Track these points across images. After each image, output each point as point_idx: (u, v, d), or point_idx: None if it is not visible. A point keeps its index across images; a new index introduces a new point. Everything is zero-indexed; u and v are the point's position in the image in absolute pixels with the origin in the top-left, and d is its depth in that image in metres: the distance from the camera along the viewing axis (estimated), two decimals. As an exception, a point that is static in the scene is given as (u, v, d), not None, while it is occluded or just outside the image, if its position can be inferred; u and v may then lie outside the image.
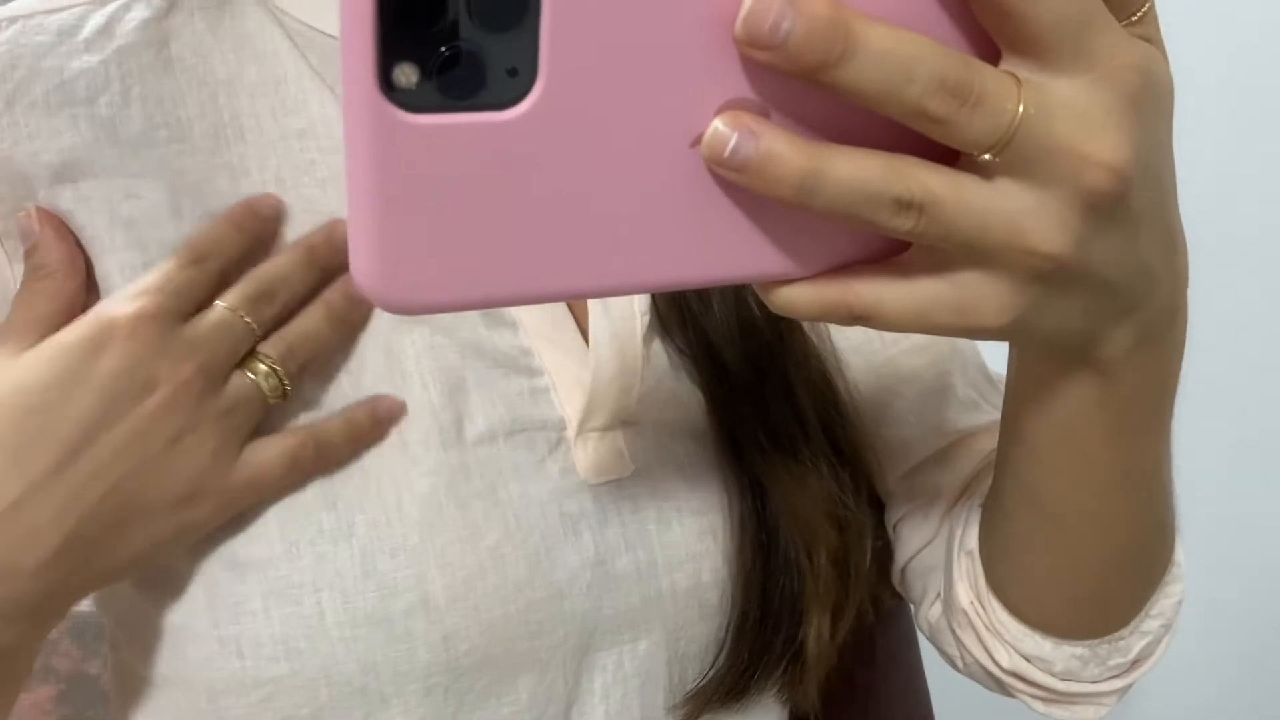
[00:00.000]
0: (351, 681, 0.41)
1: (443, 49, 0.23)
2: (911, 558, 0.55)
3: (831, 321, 0.29)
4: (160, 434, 0.38)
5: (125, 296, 0.39)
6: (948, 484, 0.53)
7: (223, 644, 0.42)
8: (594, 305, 0.46)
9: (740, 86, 0.25)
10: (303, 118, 0.44)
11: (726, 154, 0.25)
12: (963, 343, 0.56)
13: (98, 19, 0.43)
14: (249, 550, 0.42)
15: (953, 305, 0.28)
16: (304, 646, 0.41)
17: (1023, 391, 0.37)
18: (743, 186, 0.26)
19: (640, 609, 0.46)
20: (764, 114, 0.25)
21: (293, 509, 0.42)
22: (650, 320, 0.47)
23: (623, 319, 0.46)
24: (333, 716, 0.42)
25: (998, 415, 0.53)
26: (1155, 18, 0.28)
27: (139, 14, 0.44)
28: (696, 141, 0.25)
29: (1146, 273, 0.30)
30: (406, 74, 0.23)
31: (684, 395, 0.48)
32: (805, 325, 0.51)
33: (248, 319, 0.40)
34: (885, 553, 0.56)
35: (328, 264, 0.43)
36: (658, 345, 0.48)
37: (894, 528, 0.56)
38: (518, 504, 0.44)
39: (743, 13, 0.24)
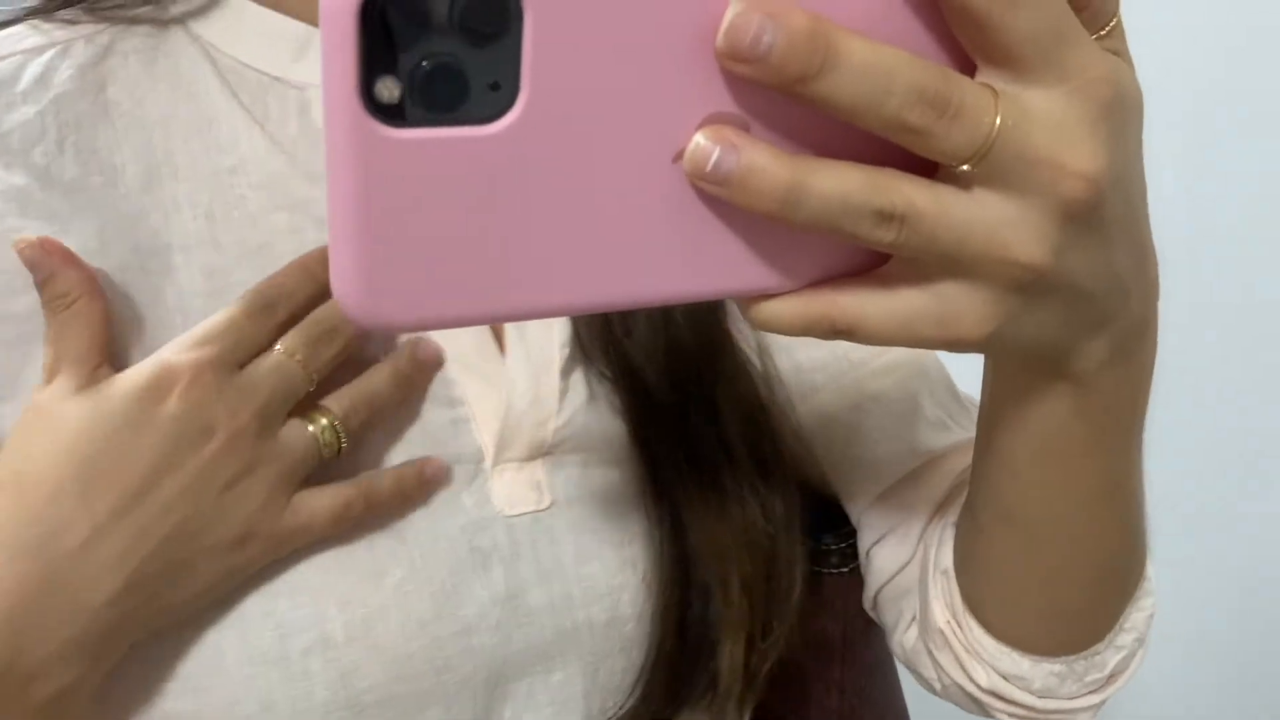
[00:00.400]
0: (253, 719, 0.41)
1: (425, 62, 0.23)
2: (885, 583, 0.55)
3: (814, 336, 0.29)
4: (219, 478, 0.39)
5: (188, 343, 0.40)
6: (920, 506, 0.53)
7: (137, 680, 0.42)
8: (511, 333, 0.47)
9: (722, 101, 0.25)
10: (233, 155, 0.45)
11: (709, 168, 0.25)
12: (930, 363, 0.56)
13: (34, 68, 0.44)
14: None
15: (934, 317, 0.28)
16: (207, 684, 0.41)
17: (999, 407, 0.37)
18: (725, 201, 0.26)
19: (554, 641, 0.46)
20: (745, 128, 0.26)
21: None
22: (571, 351, 0.48)
23: (540, 349, 0.47)
24: None
25: (967, 435, 0.53)
26: (1123, 32, 0.29)
27: (75, 59, 0.45)
28: (679, 156, 0.25)
29: (1120, 283, 0.30)
30: (389, 88, 0.23)
31: (607, 424, 0.48)
32: (741, 347, 0.51)
33: (302, 362, 0.41)
34: (821, 580, 0.56)
35: None
36: (580, 374, 0.48)
37: (867, 553, 0.56)
38: (425, 540, 0.44)
39: (724, 26, 0.24)
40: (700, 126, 0.25)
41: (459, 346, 0.46)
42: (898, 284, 0.28)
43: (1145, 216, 0.31)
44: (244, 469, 0.39)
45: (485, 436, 0.46)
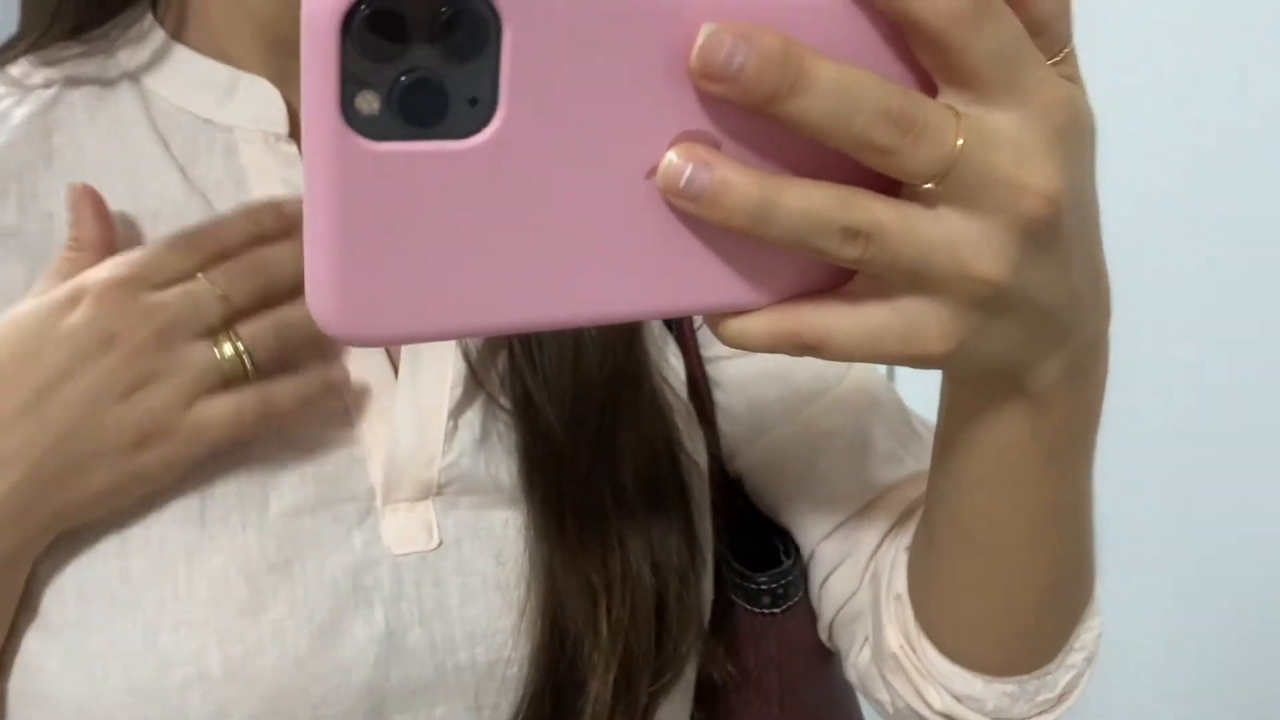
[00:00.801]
0: None
1: (404, 77, 0.23)
2: (839, 610, 0.56)
3: (783, 352, 0.29)
4: (115, 385, 0.41)
5: (107, 265, 0.42)
6: (870, 536, 0.54)
7: (29, 699, 0.44)
8: (405, 371, 0.47)
9: (695, 119, 0.26)
10: (156, 199, 0.47)
11: (681, 184, 0.25)
12: (883, 394, 0.57)
13: None
14: (50, 615, 0.44)
15: (899, 333, 0.28)
16: (93, 711, 0.43)
17: (956, 426, 0.38)
18: (697, 217, 0.26)
19: (435, 680, 0.46)
20: (717, 146, 0.26)
21: (91, 578, 0.44)
22: (465, 390, 0.48)
23: (432, 389, 0.47)
24: None
25: (920, 466, 0.54)
26: (1075, 58, 0.30)
27: (26, 109, 0.48)
28: (652, 173, 0.26)
29: (1077, 300, 0.31)
30: (368, 101, 0.23)
31: (500, 465, 0.48)
32: (659, 385, 0.51)
33: (222, 292, 0.43)
34: (753, 621, 0.57)
35: None
36: (474, 413, 0.48)
37: (821, 585, 0.56)
38: (310, 578, 0.45)
39: (698, 45, 0.24)
40: (673, 144, 0.26)
41: (362, 370, 0.47)
42: (863, 301, 0.29)
43: (1099, 236, 0.32)
44: (140, 379, 0.41)
45: (377, 475, 0.46)
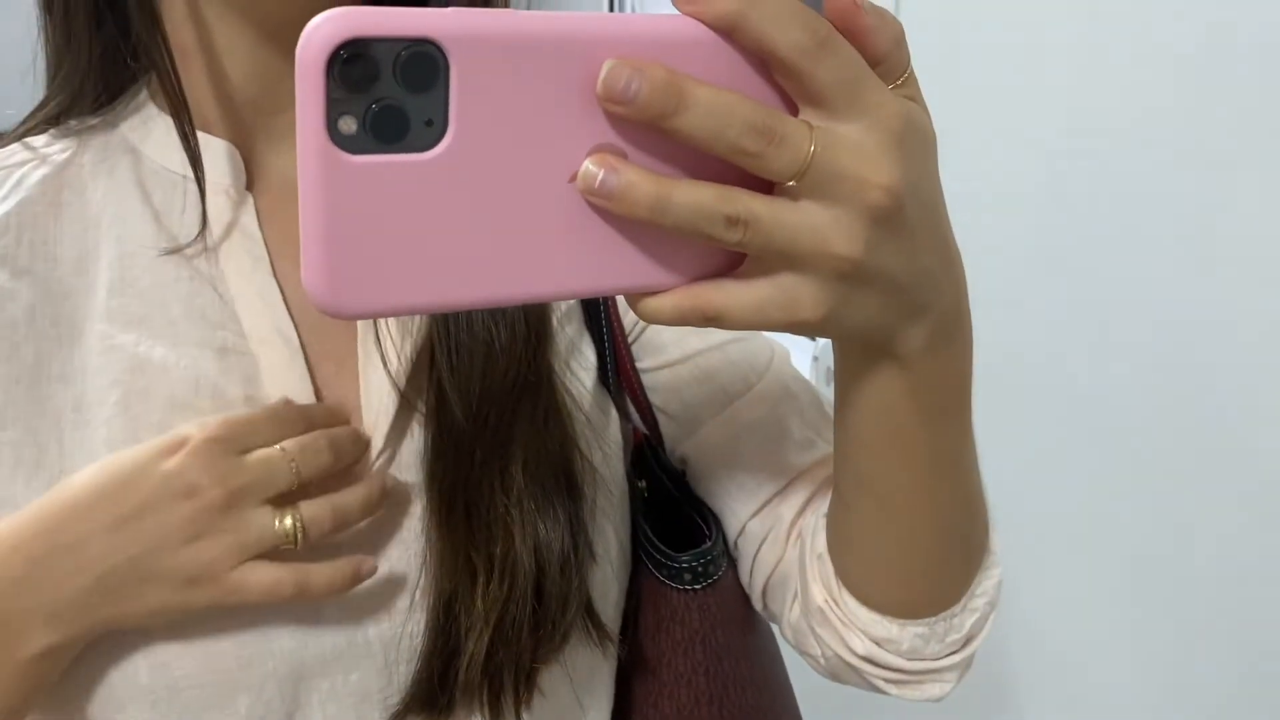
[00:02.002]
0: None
1: (374, 105, 0.30)
2: (769, 577, 0.63)
3: (689, 324, 0.36)
4: (184, 531, 0.48)
5: (212, 423, 0.50)
6: (791, 508, 0.62)
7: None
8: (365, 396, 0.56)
9: (605, 135, 0.33)
10: (134, 243, 0.56)
11: (596, 185, 0.32)
12: (798, 388, 0.65)
13: (14, 178, 0.57)
14: None
15: (780, 303, 0.35)
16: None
17: (847, 391, 0.45)
18: (611, 211, 0.33)
19: (346, 650, 0.54)
20: (624, 155, 0.33)
21: None
22: (395, 419, 0.56)
23: (366, 419, 0.56)
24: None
25: (830, 448, 0.61)
26: (915, 81, 0.37)
27: (42, 172, 0.57)
28: (573, 177, 0.33)
29: (929, 277, 0.38)
30: (347, 124, 0.30)
31: (411, 459, 0.56)
32: (559, 395, 0.58)
33: (294, 464, 0.50)
34: (674, 596, 0.64)
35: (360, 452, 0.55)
36: (401, 421, 0.56)
37: (753, 559, 0.64)
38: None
39: (601, 77, 0.31)
40: (589, 154, 0.33)
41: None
42: (751, 279, 0.36)
43: (946, 226, 0.39)
44: (207, 529, 0.48)
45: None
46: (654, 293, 0.36)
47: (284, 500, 0.50)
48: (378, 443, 0.55)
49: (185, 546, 0.48)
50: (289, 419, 0.52)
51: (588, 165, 0.33)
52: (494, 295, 0.34)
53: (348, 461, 0.53)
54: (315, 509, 0.51)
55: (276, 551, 0.50)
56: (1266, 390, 0.93)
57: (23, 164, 0.57)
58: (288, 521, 0.50)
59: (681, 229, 0.33)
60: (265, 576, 0.50)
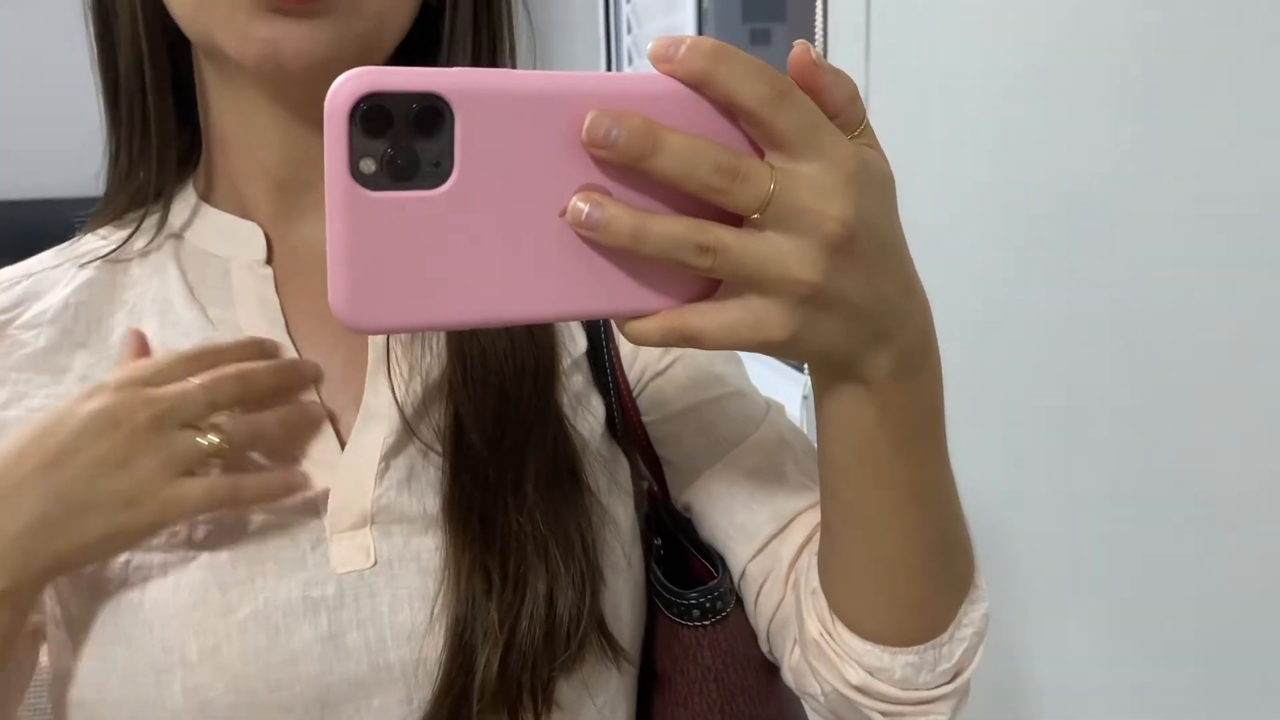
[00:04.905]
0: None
1: (390, 149, 0.35)
2: (771, 620, 0.66)
3: (672, 345, 0.40)
4: (112, 457, 0.53)
5: (123, 368, 0.56)
6: (788, 550, 0.65)
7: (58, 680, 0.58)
8: (351, 440, 0.61)
9: (591, 175, 0.38)
10: (172, 315, 0.63)
11: (583, 218, 0.37)
12: (792, 436, 0.69)
13: (79, 267, 0.66)
14: (77, 628, 0.58)
15: (749, 325, 0.40)
16: (103, 683, 0.57)
17: (824, 417, 0.48)
18: (598, 242, 0.38)
19: (370, 675, 0.58)
20: (608, 193, 0.38)
21: (109, 593, 0.58)
22: (397, 439, 0.60)
23: (368, 445, 0.60)
24: None
25: None
26: (871, 131, 0.42)
27: (101, 259, 0.66)
28: (563, 212, 0.38)
29: (889, 305, 0.42)
30: (367, 165, 0.35)
31: (425, 498, 0.60)
32: (566, 426, 0.62)
33: (208, 393, 0.56)
34: (683, 632, 0.67)
35: (288, 383, 0.60)
36: (405, 457, 0.61)
37: (755, 602, 0.67)
38: (270, 589, 0.57)
39: (586, 124, 0.36)
40: (577, 192, 0.38)
41: (312, 452, 0.61)
42: (724, 303, 0.40)
43: (906, 261, 0.43)
44: (134, 453, 0.53)
45: (324, 511, 0.59)
46: (638, 316, 0.41)
47: (200, 423, 0.55)
48: (377, 453, 0.60)
49: (118, 471, 0.52)
50: (195, 357, 0.57)
51: (575, 201, 0.37)
52: (495, 315, 0.38)
53: (262, 390, 0.58)
54: (231, 421, 0.56)
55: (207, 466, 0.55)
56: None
57: (88, 254, 0.66)
58: (210, 436, 0.55)
59: (659, 256, 0.38)
60: (198, 487, 0.54)
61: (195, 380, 0.56)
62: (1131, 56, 0.95)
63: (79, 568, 0.55)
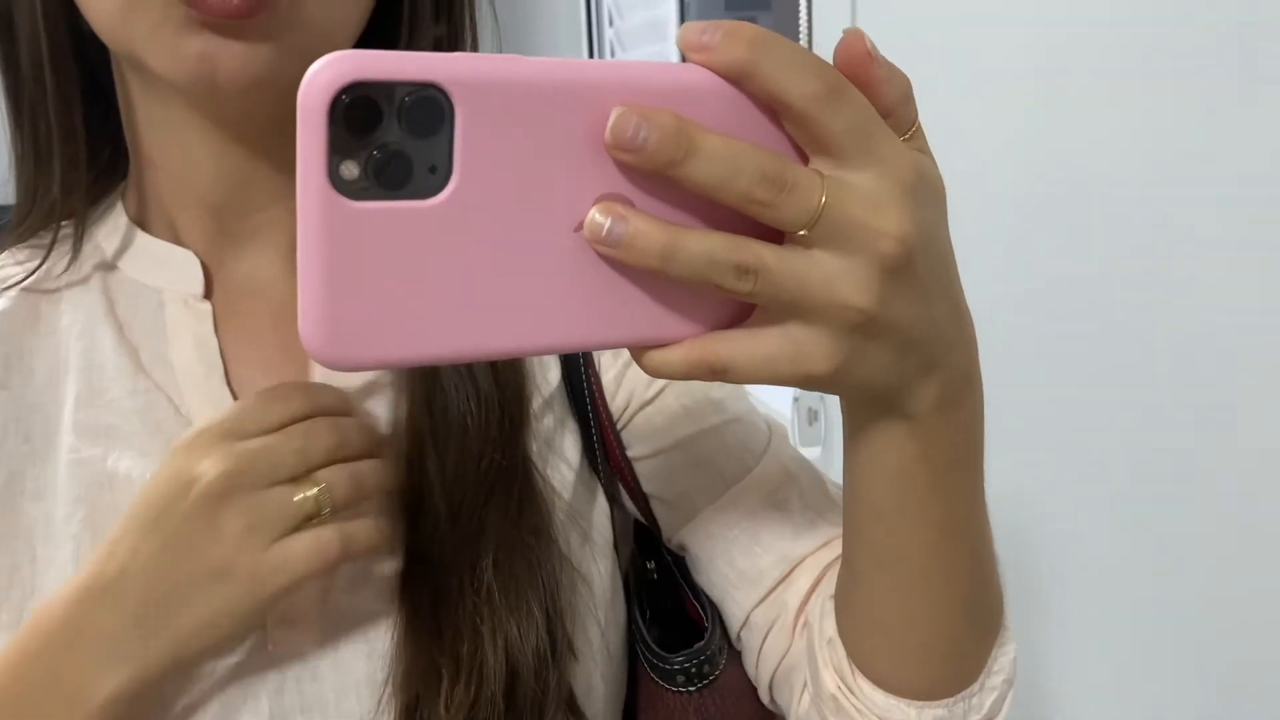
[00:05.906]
0: None
1: (377, 150, 0.29)
2: (776, 667, 0.60)
3: (695, 378, 0.35)
4: (194, 524, 0.47)
5: (217, 414, 0.50)
6: (795, 596, 0.59)
7: None
8: None
9: (612, 183, 0.32)
10: (99, 354, 0.56)
11: (604, 234, 0.32)
12: (798, 469, 0.63)
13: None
14: None
15: (789, 356, 0.34)
16: None
17: (858, 454, 0.43)
18: (618, 260, 0.32)
19: None
20: (631, 204, 0.32)
21: None
22: None
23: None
24: None
25: (835, 530, 0.59)
26: (923, 134, 0.37)
27: (17, 286, 0.58)
28: (579, 226, 0.32)
29: (940, 333, 0.37)
30: (349, 169, 0.29)
31: (385, 567, 0.54)
32: (535, 483, 0.56)
33: (298, 448, 0.49)
34: (668, 698, 0.61)
35: (379, 438, 0.54)
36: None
37: (759, 650, 0.61)
38: (207, 675, 0.52)
39: (610, 124, 0.31)
40: (596, 202, 0.32)
41: None
42: (760, 331, 0.35)
43: (957, 282, 0.38)
44: (217, 517, 0.47)
45: None
46: (659, 345, 0.35)
47: (298, 478, 0.49)
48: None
49: (204, 541, 0.47)
50: (289, 400, 0.51)
51: (595, 214, 0.32)
52: (498, 347, 0.33)
53: (353, 451, 0.51)
54: (332, 473, 0.49)
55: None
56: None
57: (2, 281, 0.58)
58: (308, 490, 0.48)
59: (690, 279, 0.32)
60: (304, 543, 0.48)
61: (282, 433, 0.49)
62: (1130, 43, 0.91)
63: (201, 661, 0.49)
